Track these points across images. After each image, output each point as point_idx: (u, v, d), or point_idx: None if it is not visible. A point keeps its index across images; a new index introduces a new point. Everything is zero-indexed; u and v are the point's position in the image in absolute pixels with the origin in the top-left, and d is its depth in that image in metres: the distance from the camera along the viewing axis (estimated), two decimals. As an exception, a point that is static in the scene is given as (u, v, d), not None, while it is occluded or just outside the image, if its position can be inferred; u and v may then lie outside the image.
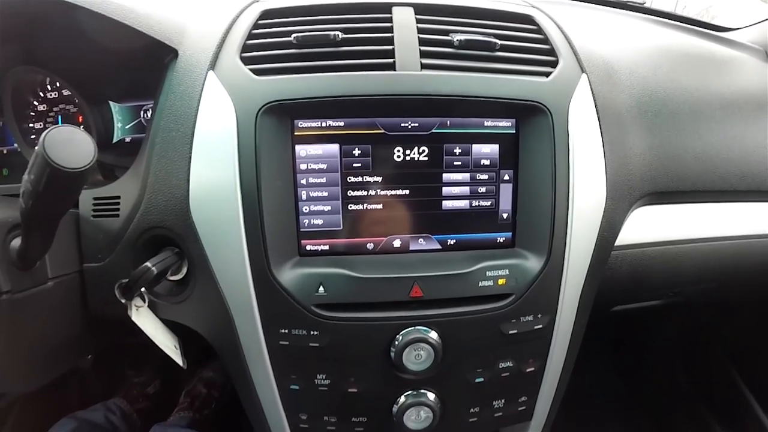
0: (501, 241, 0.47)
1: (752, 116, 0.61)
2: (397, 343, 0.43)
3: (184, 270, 0.48)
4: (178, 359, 0.49)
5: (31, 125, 0.66)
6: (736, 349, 0.90)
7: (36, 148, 0.32)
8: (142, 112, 0.61)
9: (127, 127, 0.61)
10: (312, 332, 0.43)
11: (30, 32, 0.56)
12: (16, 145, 0.66)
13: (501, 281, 0.44)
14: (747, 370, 0.88)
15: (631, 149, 0.51)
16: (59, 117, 0.64)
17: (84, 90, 0.61)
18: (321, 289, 0.43)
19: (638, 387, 1.06)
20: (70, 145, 0.33)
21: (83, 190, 0.50)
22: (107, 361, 0.91)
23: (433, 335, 0.43)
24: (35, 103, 0.65)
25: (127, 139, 0.61)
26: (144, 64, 0.53)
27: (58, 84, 0.63)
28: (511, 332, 0.45)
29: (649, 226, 0.54)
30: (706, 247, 0.57)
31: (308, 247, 0.45)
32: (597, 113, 0.48)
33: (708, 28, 0.77)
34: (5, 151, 0.69)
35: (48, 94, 0.64)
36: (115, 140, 0.62)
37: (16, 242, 0.43)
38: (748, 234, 0.59)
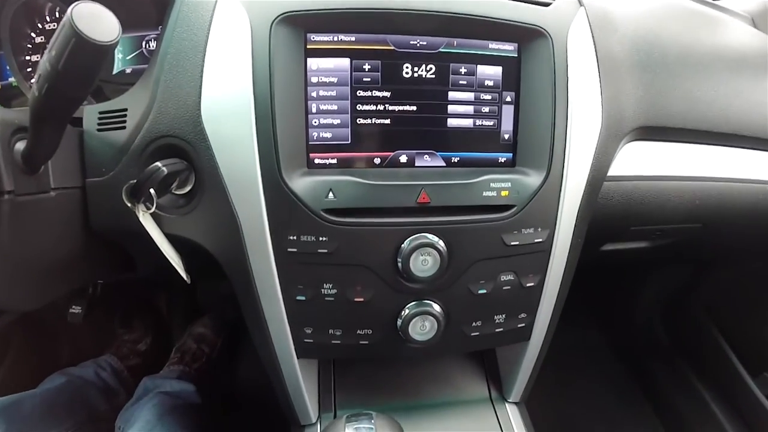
0: (502, 161, 0.49)
1: (736, 68, 0.64)
2: (403, 248, 0.44)
3: (190, 185, 0.48)
4: (182, 272, 0.48)
5: (27, 58, 0.64)
6: (714, 304, 0.94)
7: (62, 20, 0.32)
8: (144, 43, 0.61)
9: (128, 58, 0.61)
10: (321, 238, 0.44)
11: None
12: (11, 79, 0.65)
13: (504, 193, 0.46)
14: (725, 324, 0.92)
15: (624, 82, 0.54)
16: (58, 49, 0.64)
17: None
18: (331, 194, 0.44)
19: (619, 341, 1.10)
20: (97, 19, 0.32)
21: (87, 106, 0.49)
22: (97, 319, 0.90)
23: (439, 242, 0.44)
24: (33, 35, 0.64)
25: (128, 70, 0.61)
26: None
27: (57, 14, 0.62)
28: (512, 243, 0.47)
29: (641, 161, 0.57)
30: (694, 186, 0.60)
31: (316, 161, 0.46)
32: (594, 43, 0.51)
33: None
34: (-1, 86, 0.67)
35: (47, 26, 0.63)
36: (115, 71, 0.61)
37: (20, 145, 0.43)
38: (733, 177, 0.63)
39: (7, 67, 0.65)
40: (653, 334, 1.04)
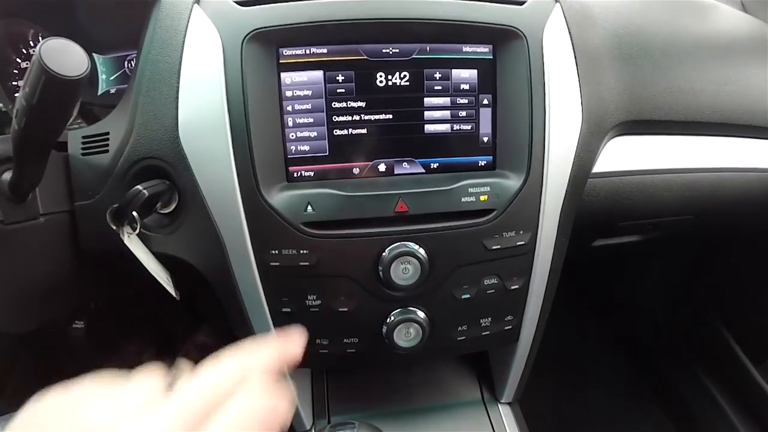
0: (482, 164, 0.49)
1: (724, 54, 0.63)
2: (384, 257, 0.44)
3: (174, 204, 0.48)
4: (171, 289, 0.49)
5: (14, 83, 0.66)
6: (716, 292, 0.93)
7: (32, 58, 0.33)
8: (126, 62, 0.61)
9: (112, 78, 0.62)
10: (302, 251, 0.44)
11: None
12: (0, 105, 0.66)
13: (483, 197, 0.46)
14: (727, 312, 0.91)
15: (605, 77, 0.53)
16: (43, 73, 0.65)
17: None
18: (309, 208, 0.44)
19: (621, 333, 1.10)
20: (65, 55, 0.33)
21: (71, 130, 0.50)
22: (101, 333, 0.92)
23: (420, 249, 0.45)
24: (18, 60, 0.65)
25: (112, 91, 0.62)
26: (128, 10, 0.54)
27: (41, 39, 0.63)
28: (494, 247, 0.47)
29: (627, 156, 0.57)
30: (683, 178, 0.59)
31: (296, 174, 0.47)
32: (571, 40, 0.50)
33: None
34: (-14, 113, 0.68)
35: (31, 51, 0.64)
36: (100, 92, 0.62)
37: (7, 176, 0.44)
38: (725, 167, 0.62)
39: (-4, 94, 0.66)
40: (656, 325, 1.04)
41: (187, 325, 1.00)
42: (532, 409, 0.63)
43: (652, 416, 0.97)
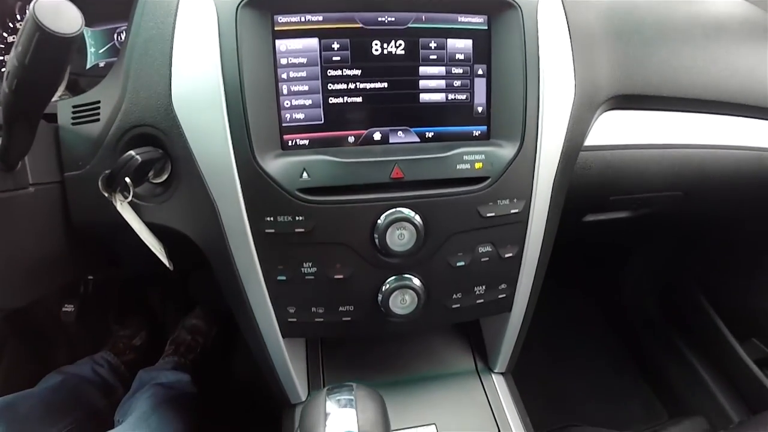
0: (477, 134, 0.49)
1: (714, 34, 0.64)
2: (379, 224, 0.45)
3: (167, 173, 0.48)
4: (164, 259, 0.49)
5: (1, 58, 0.64)
6: (703, 273, 0.95)
7: (26, 16, 0.32)
8: (115, 35, 0.60)
9: (101, 51, 0.61)
10: (297, 217, 0.44)
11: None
12: (-15, 80, 0.65)
13: (478, 165, 0.46)
14: (713, 292, 0.93)
15: (598, 51, 0.54)
16: (31, 46, 0.63)
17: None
18: (305, 174, 0.44)
19: (611, 314, 1.12)
20: (59, 12, 0.33)
21: (61, 100, 0.49)
22: (92, 317, 0.90)
23: (415, 216, 0.45)
24: (5, 34, 0.64)
25: (101, 64, 0.61)
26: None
27: (28, 11, 0.62)
28: (488, 215, 0.47)
29: (619, 129, 0.58)
30: (673, 153, 0.60)
31: (290, 142, 0.46)
32: (565, 13, 0.51)
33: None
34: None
35: (18, 24, 0.63)
36: (89, 66, 0.61)
37: (-5, 143, 0.43)
38: (714, 144, 0.63)
39: (-18, 67, 0.64)
40: (644, 306, 1.06)
41: (179, 308, 0.99)
42: (524, 383, 0.64)
43: (639, 392, 0.99)
